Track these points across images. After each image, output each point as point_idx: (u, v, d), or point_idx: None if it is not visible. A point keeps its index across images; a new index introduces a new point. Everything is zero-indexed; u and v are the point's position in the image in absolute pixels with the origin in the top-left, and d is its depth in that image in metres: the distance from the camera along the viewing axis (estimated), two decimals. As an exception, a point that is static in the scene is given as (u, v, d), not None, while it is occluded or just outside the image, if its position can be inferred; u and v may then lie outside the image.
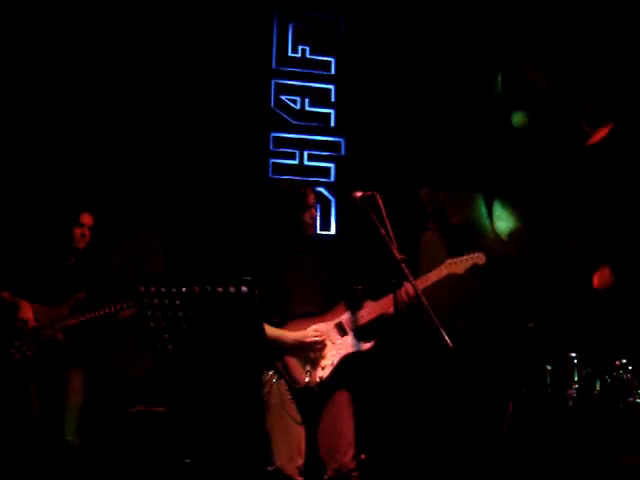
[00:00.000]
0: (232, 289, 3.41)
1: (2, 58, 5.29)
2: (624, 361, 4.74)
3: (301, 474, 3.33)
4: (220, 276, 3.86)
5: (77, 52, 5.47)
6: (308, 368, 3.34)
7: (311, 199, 3.60)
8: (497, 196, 6.23)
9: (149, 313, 3.67)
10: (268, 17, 6.10)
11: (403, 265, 3.05)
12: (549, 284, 5.21)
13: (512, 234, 6.11)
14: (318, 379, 3.33)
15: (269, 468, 3.35)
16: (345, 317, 3.47)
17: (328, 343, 3.40)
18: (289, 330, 3.42)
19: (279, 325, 3.44)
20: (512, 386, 5.05)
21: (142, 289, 3.68)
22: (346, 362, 3.39)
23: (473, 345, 5.18)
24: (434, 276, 3.55)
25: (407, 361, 3.48)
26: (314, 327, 3.42)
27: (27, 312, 4.14)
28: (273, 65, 6.12)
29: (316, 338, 3.35)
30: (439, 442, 5.09)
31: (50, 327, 4.16)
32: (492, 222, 6.21)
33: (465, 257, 3.61)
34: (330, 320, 3.46)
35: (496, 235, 6.18)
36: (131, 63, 5.58)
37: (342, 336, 3.43)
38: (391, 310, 3.35)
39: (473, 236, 6.14)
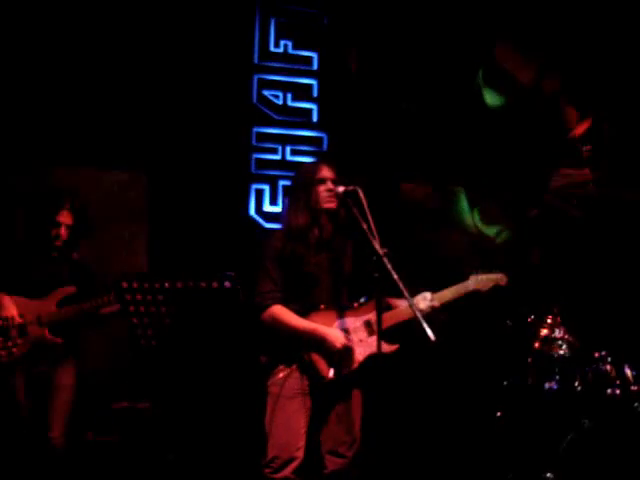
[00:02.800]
0: (215, 284, 3.43)
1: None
2: (603, 353, 4.79)
3: (295, 472, 3.24)
4: (203, 271, 3.87)
5: (50, 45, 5.42)
6: (333, 363, 3.25)
7: (324, 172, 3.44)
8: (478, 191, 6.26)
9: (132, 309, 3.67)
10: (250, 12, 6.08)
11: (385, 259, 3.05)
12: (527, 278, 5.25)
13: (491, 227, 6.15)
14: (342, 374, 3.25)
15: (262, 461, 3.28)
16: (374, 316, 3.31)
17: (355, 339, 3.31)
18: (314, 321, 3.29)
19: (301, 315, 3.30)
20: (493, 382, 5.09)
21: (125, 285, 3.68)
22: (369, 362, 3.31)
23: (455, 340, 5.22)
24: (462, 289, 3.55)
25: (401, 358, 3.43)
26: (336, 323, 3.32)
27: (11, 309, 4.04)
28: (255, 60, 6.10)
29: (346, 342, 3.24)
30: (424, 438, 5.12)
31: (37, 323, 4.05)
32: (473, 217, 6.25)
33: (488, 276, 3.60)
34: (359, 316, 3.37)
35: (478, 230, 6.22)
36: (110, 58, 5.55)
37: (369, 335, 3.33)
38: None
39: (454, 231, 6.18)
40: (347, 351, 3.24)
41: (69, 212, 4.29)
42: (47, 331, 4.06)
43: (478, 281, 3.57)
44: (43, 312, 4.07)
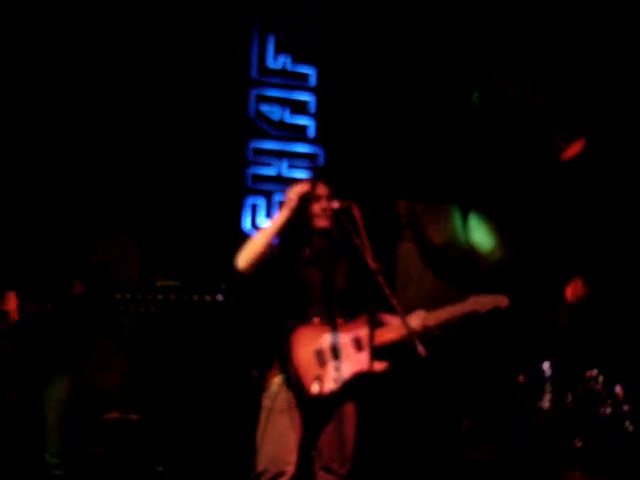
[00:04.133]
0: (208, 297, 3.43)
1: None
2: (594, 373, 4.80)
3: None
4: (196, 285, 3.88)
5: (51, 62, 5.46)
6: (318, 378, 3.19)
7: (320, 190, 3.41)
8: (472, 208, 6.29)
9: (125, 320, 3.66)
10: (248, 27, 6.13)
11: (378, 275, 3.06)
12: (522, 295, 5.26)
13: (484, 244, 6.17)
14: (327, 391, 3.19)
15: (251, 474, 3.23)
16: (364, 332, 3.28)
17: (343, 355, 3.25)
18: (300, 337, 3.24)
19: (289, 330, 3.26)
20: (483, 397, 5.10)
21: (118, 296, 3.68)
22: (357, 379, 3.25)
23: (447, 355, 5.22)
24: (459, 310, 3.43)
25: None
26: (325, 338, 3.27)
27: (12, 303, 4.01)
28: (253, 75, 6.15)
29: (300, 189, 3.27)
30: (412, 449, 5.11)
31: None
32: (467, 234, 6.27)
33: (489, 298, 3.47)
34: (348, 332, 3.31)
35: (471, 247, 6.24)
36: (110, 73, 5.58)
37: (358, 351, 3.28)
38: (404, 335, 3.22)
39: (448, 248, 6.20)
40: (329, 365, 3.21)
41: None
42: (6, 342, 3.99)
43: (477, 302, 3.45)
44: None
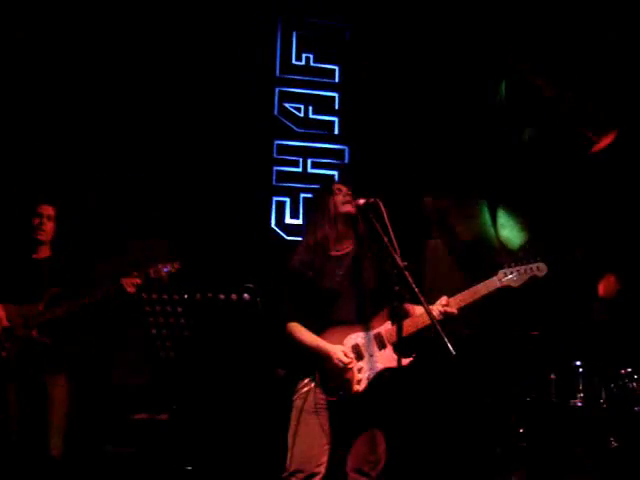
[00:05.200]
0: (234, 296, 3.40)
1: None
2: (629, 370, 4.69)
3: None
4: (223, 283, 3.85)
5: (73, 52, 5.48)
6: (344, 381, 3.15)
7: (338, 185, 3.43)
8: (501, 204, 6.20)
9: (151, 320, 3.65)
10: (272, 25, 6.11)
11: (406, 272, 3.01)
12: (554, 292, 5.17)
13: (514, 239, 6.08)
14: (353, 393, 3.15)
15: (283, 475, 3.21)
16: (385, 328, 3.22)
17: (366, 355, 3.20)
18: (329, 337, 3.21)
19: (318, 331, 3.23)
20: (516, 395, 5.01)
21: (144, 296, 3.66)
22: (383, 377, 3.19)
23: (477, 354, 5.15)
24: (484, 288, 3.22)
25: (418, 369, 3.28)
26: (352, 338, 3.22)
27: None
28: (277, 73, 6.13)
29: (342, 358, 3.13)
30: (443, 449, 5.04)
31: (23, 325, 4.01)
32: (496, 230, 6.19)
33: (522, 267, 3.20)
34: (371, 330, 3.24)
35: (500, 243, 6.16)
36: (134, 70, 5.60)
37: (380, 349, 3.22)
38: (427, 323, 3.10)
39: (477, 245, 6.12)
40: (344, 369, 3.16)
41: (50, 205, 4.23)
42: (35, 331, 4.01)
43: (508, 275, 3.20)
44: (30, 315, 4.02)
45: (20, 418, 4.04)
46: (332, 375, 3.18)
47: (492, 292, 3.23)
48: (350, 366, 3.16)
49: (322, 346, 3.20)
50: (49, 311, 4.03)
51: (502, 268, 3.24)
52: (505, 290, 3.22)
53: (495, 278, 3.24)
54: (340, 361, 3.15)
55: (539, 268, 3.23)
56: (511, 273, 3.22)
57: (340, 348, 3.19)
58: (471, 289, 3.23)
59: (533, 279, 3.21)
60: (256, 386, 4.84)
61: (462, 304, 3.24)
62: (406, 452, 4.44)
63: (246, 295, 3.34)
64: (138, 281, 3.99)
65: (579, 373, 4.81)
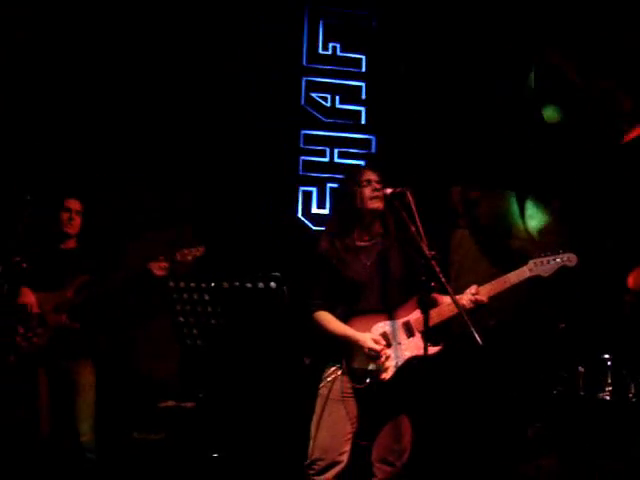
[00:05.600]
0: (261, 285, 3.42)
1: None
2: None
3: (337, 476, 3.17)
4: (250, 272, 3.84)
5: (76, 52, 5.49)
6: (372, 368, 3.16)
7: (368, 175, 3.36)
8: (529, 195, 6.14)
9: (179, 308, 3.68)
10: (299, 14, 6.10)
11: (433, 262, 3.00)
12: (582, 283, 5.11)
13: (542, 231, 6.01)
14: (380, 380, 3.15)
15: (305, 463, 3.22)
16: (414, 316, 3.22)
17: (394, 343, 3.20)
18: (354, 326, 3.22)
19: (345, 319, 3.25)
20: (544, 388, 4.98)
21: (172, 284, 3.70)
22: (410, 365, 3.19)
23: (504, 345, 5.11)
24: (514, 278, 3.21)
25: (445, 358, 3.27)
26: (379, 326, 3.23)
27: (28, 297, 4.08)
28: (304, 62, 6.12)
29: (373, 346, 3.14)
30: (468, 442, 5.03)
31: (54, 311, 4.08)
32: (524, 221, 6.13)
33: (553, 257, 3.20)
34: (399, 318, 3.24)
35: (528, 234, 6.10)
36: (163, 63, 5.62)
37: (409, 337, 3.21)
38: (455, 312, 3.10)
39: (504, 236, 6.07)
40: (376, 356, 3.18)
41: (77, 200, 4.32)
42: (65, 316, 4.08)
43: (538, 265, 3.19)
44: (61, 301, 4.10)
45: (50, 406, 4.10)
46: (361, 362, 3.18)
47: (522, 281, 3.22)
48: (382, 354, 3.15)
49: (351, 334, 3.20)
50: (78, 296, 4.10)
51: (532, 258, 3.23)
52: (535, 280, 3.21)
53: (525, 268, 3.23)
54: (372, 349, 3.15)
55: (569, 259, 3.22)
56: (541, 263, 3.21)
57: (370, 336, 3.19)
58: (501, 278, 3.23)
59: (563, 269, 3.19)
60: (283, 374, 4.86)
61: (492, 293, 3.23)
62: (432, 441, 4.43)
63: (273, 284, 3.36)
64: (165, 264, 4.06)
65: (608, 366, 4.76)
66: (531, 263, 3.22)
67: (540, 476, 4.57)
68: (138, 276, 4.09)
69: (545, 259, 3.22)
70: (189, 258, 4.08)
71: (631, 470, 4.27)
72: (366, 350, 3.15)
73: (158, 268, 4.06)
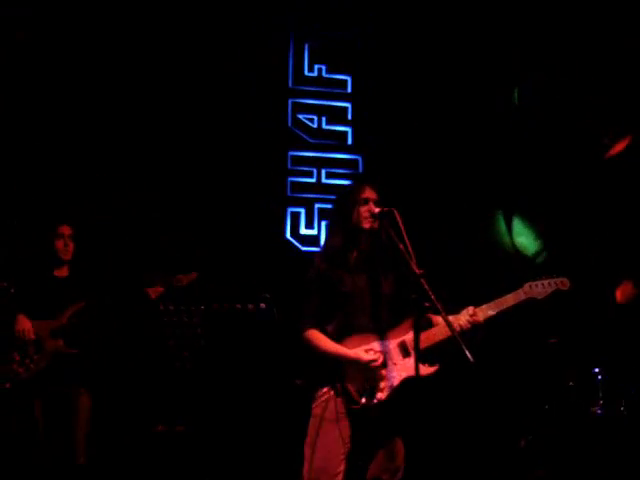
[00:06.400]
0: (251, 306, 3.42)
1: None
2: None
3: None
4: (239, 294, 3.84)
5: (90, 63, 5.54)
6: (366, 388, 3.15)
7: (367, 193, 3.37)
8: (516, 212, 6.18)
9: (168, 331, 3.67)
10: (284, 37, 6.15)
11: (422, 280, 3.01)
12: (571, 299, 5.13)
13: (538, 254, 6.05)
14: (376, 401, 3.13)
15: None
16: (410, 337, 3.19)
17: (389, 363, 3.20)
18: (348, 346, 3.21)
19: (338, 339, 3.23)
20: (534, 403, 4.98)
21: (161, 307, 3.69)
22: (405, 385, 3.18)
23: (494, 360, 5.11)
24: (511, 300, 3.30)
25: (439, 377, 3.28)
26: (373, 345, 3.21)
27: (25, 323, 4.08)
28: (290, 84, 6.16)
29: (371, 357, 3.14)
30: (459, 455, 5.01)
31: (51, 337, 4.09)
32: (512, 238, 6.17)
33: (547, 281, 3.31)
34: (394, 338, 3.25)
35: (517, 251, 6.13)
36: (147, 81, 5.64)
37: (404, 357, 3.21)
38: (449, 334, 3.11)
39: (494, 252, 6.10)
40: (374, 369, 3.17)
41: (68, 226, 4.33)
42: (62, 342, 4.09)
43: (533, 288, 3.29)
44: (56, 327, 4.12)
45: (46, 431, 4.08)
46: (355, 382, 3.17)
47: (518, 303, 3.31)
48: (378, 373, 3.15)
49: (345, 352, 3.19)
50: (73, 322, 4.11)
51: (527, 281, 3.33)
52: (529, 302, 3.31)
53: (521, 291, 3.32)
54: (370, 360, 3.14)
55: (563, 282, 3.34)
56: (536, 286, 3.32)
57: (363, 348, 3.18)
58: (497, 300, 3.30)
59: (557, 292, 3.31)
60: (273, 396, 4.83)
61: (489, 314, 3.28)
62: (426, 456, 4.42)
63: (263, 305, 3.36)
64: (161, 290, 4.08)
65: (598, 380, 4.77)
66: (526, 286, 3.31)
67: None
68: (134, 301, 4.10)
69: (540, 282, 3.32)
70: (184, 283, 4.12)
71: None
72: (363, 362, 3.14)
73: (154, 292, 4.08)
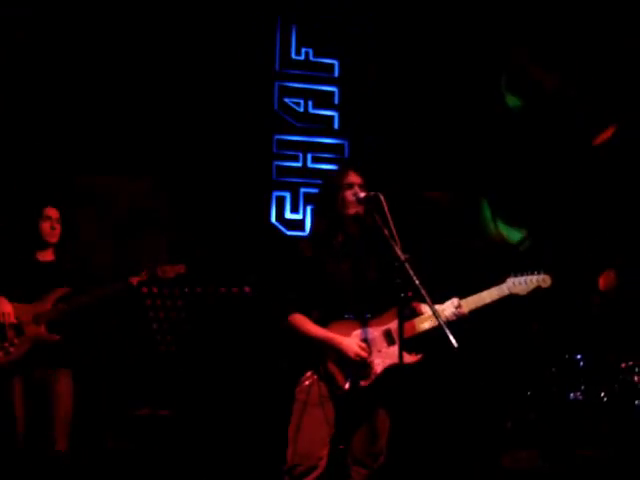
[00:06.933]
0: (235, 290, 3.41)
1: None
2: (630, 364, 4.69)
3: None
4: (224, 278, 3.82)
5: (71, 50, 5.47)
6: (350, 374, 3.15)
7: (352, 177, 3.35)
8: (501, 200, 6.21)
9: (151, 314, 3.65)
10: (271, 19, 6.10)
11: (407, 266, 3.01)
12: (554, 285, 5.17)
13: (522, 242, 6.09)
14: (360, 386, 3.15)
15: (283, 468, 3.19)
16: (394, 325, 3.17)
17: (374, 350, 3.19)
18: (332, 331, 3.20)
19: (321, 324, 3.22)
20: (516, 389, 5.02)
21: (144, 290, 3.67)
22: (389, 373, 3.20)
23: (477, 347, 5.15)
24: (495, 294, 3.33)
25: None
26: (358, 332, 3.22)
27: (5, 306, 3.99)
28: (276, 68, 6.12)
29: (360, 352, 3.13)
30: (441, 443, 5.05)
31: (33, 322, 4.00)
32: (496, 226, 6.19)
33: (529, 277, 3.36)
34: (379, 326, 3.25)
35: (501, 238, 6.16)
36: (132, 67, 5.59)
37: (389, 345, 3.21)
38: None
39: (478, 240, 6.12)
40: (362, 362, 3.18)
41: (54, 208, 4.22)
42: (44, 328, 4.01)
43: (516, 284, 3.35)
44: (39, 312, 4.02)
45: (25, 416, 4.01)
46: (339, 367, 3.18)
47: (502, 298, 3.35)
48: (364, 356, 3.15)
49: (333, 338, 3.18)
50: (57, 308, 4.02)
51: (509, 276, 3.37)
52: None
53: (504, 286, 3.36)
54: (357, 355, 3.15)
55: (544, 280, 3.39)
56: (519, 283, 3.36)
57: (355, 341, 3.18)
58: (482, 294, 3.33)
59: (538, 289, 3.37)
60: (258, 379, 4.84)
61: (473, 307, 3.31)
62: (409, 445, 4.45)
63: (247, 288, 3.36)
64: (145, 279, 4.03)
65: (580, 367, 4.82)
66: (509, 281, 3.36)
67: (519, 467, 4.61)
68: (119, 290, 4.05)
69: (522, 279, 3.36)
70: (170, 275, 4.08)
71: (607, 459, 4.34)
72: (352, 355, 3.14)
73: (138, 282, 4.04)
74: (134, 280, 4.05)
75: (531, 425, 4.80)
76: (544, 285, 3.37)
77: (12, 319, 4.00)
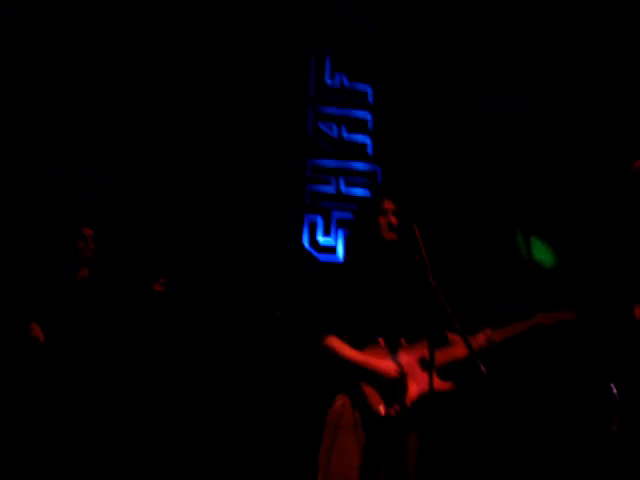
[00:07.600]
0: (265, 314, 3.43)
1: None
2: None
3: None
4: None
5: (75, 54, 5.49)
6: (385, 399, 3.18)
7: (386, 204, 3.44)
8: (534, 227, 6.16)
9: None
10: (306, 45, 6.17)
11: (438, 294, 3.02)
12: (591, 314, 5.12)
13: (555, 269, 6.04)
14: (394, 412, 3.17)
15: None
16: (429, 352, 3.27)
17: (409, 375, 3.24)
18: (369, 355, 3.25)
19: (356, 348, 3.27)
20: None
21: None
22: (423, 401, 3.22)
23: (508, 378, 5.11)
24: (524, 327, 3.55)
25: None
26: (393, 358, 3.26)
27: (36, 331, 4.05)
28: (311, 93, 6.18)
29: (399, 374, 3.20)
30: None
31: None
32: (531, 253, 6.15)
33: (556, 314, 3.64)
34: (414, 351, 3.30)
35: (535, 265, 6.11)
36: (171, 93, 5.68)
37: (424, 371, 3.25)
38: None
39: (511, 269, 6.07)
40: (400, 384, 3.18)
41: (89, 228, 4.35)
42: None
43: (542, 317, 3.60)
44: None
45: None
46: (373, 392, 3.18)
47: (531, 327, 3.58)
48: (403, 378, 3.18)
49: (372, 362, 3.21)
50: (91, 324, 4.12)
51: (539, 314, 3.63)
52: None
53: (533, 319, 3.59)
54: (398, 373, 3.16)
55: (569, 315, 3.67)
56: (546, 317, 3.62)
57: (393, 365, 3.20)
58: (513, 326, 3.54)
59: (563, 322, 3.64)
60: (293, 403, 4.80)
61: (504, 337, 3.48)
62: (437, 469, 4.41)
63: (278, 313, 3.38)
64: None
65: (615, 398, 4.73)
66: (538, 316, 3.61)
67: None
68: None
69: (550, 315, 3.64)
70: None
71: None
72: (393, 374, 3.17)
73: (159, 286, 4.12)
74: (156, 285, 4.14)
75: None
76: (568, 318, 3.63)
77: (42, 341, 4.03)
